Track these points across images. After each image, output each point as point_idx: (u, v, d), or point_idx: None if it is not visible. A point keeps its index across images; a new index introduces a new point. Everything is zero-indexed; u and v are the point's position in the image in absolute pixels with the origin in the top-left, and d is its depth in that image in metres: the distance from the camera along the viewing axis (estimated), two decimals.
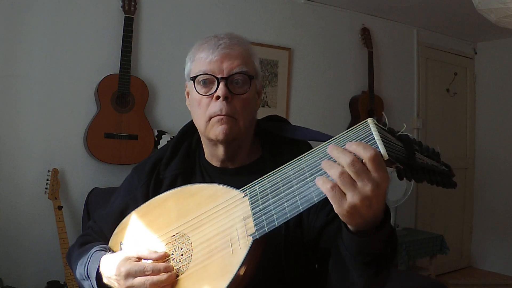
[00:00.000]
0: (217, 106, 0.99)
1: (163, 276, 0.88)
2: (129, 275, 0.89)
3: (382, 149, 0.70)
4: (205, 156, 1.11)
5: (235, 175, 1.08)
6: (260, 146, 1.12)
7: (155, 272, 0.88)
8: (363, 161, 0.69)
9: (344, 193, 0.70)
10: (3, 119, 2.28)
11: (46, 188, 2.25)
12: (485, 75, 4.40)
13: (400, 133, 0.77)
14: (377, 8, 3.52)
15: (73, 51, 2.44)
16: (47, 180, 2.26)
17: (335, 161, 0.72)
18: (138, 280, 0.88)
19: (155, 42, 2.68)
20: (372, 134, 0.72)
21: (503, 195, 4.15)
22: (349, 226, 0.76)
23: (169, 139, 2.55)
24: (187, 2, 2.82)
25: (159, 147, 2.53)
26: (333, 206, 0.71)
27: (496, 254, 4.23)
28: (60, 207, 2.21)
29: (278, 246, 0.99)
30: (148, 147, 2.50)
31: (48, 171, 2.27)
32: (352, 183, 0.69)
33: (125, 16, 2.47)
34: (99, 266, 0.97)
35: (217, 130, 1.00)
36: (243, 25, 2.99)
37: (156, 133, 2.56)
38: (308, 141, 1.12)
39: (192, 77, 1.03)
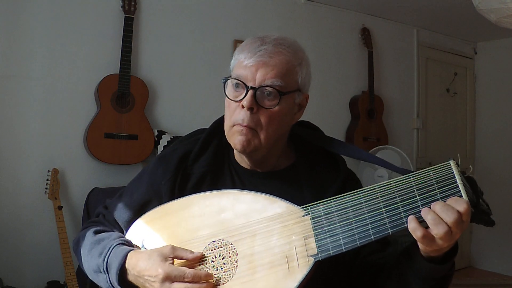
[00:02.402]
0: (241, 115, 0.96)
1: (203, 285, 0.84)
2: (167, 278, 0.84)
3: (464, 195, 0.75)
4: (235, 156, 1.08)
5: (266, 178, 1.04)
6: (293, 152, 1.09)
7: (196, 279, 0.84)
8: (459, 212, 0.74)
9: (436, 239, 0.75)
10: (3, 119, 2.28)
11: (46, 188, 2.25)
12: (485, 75, 4.40)
13: (467, 174, 0.81)
14: (377, 8, 3.52)
15: (73, 51, 2.44)
16: (47, 180, 2.26)
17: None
18: (177, 286, 0.84)
19: (155, 42, 2.68)
20: (455, 177, 0.77)
21: (503, 195, 4.15)
22: (422, 253, 0.81)
23: (169, 139, 2.55)
24: (187, 2, 2.82)
25: (159, 147, 2.53)
26: (421, 245, 0.78)
27: (496, 254, 4.23)
28: (60, 207, 2.21)
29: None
30: (148, 147, 2.50)
31: (48, 171, 2.27)
32: (450, 235, 0.74)
33: (125, 16, 2.47)
34: (124, 261, 0.92)
35: (236, 140, 0.97)
36: (243, 25, 2.99)
37: (156, 133, 2.56)
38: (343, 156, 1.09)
39: (223, 80, 1.00)
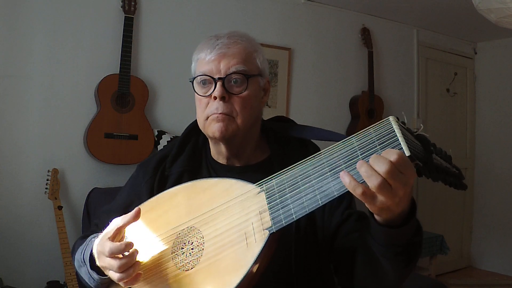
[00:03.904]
0: (214, 105, 1.01)
1: (123, 260, 0.87)
2: (101, 253, 0.90)
3: (404, 146, 0.71)
4: (212, 154, 1.12)
5: (242, 172, 1.08)
6: (268, 145, 1.13)
7: (115, 252, 0.87)
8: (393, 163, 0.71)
9: (376, 195, 0.72)
10: (3, 119, 2.28)
11: (46, 188, 2.25)
12: (485, 75, 4.40)
13: (417, 132, 0.79)
14: (377, 8, 3.52)
15: (73, 51, 2.44)
16: (47, 180, 2.26)
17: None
18: (107, 260, 0.88)
19: (155, 42, 2.68)
20: (394, 131, 0.74)
21: (503, 195, 4.15)
22: (378, 219, 0.79)
23: (169, 139, 2.55)
24: (187, 2, 2.82)
25: (159, 147, 2.53)
26: (366, 205, 0.75)
27: (496, 254, 4.23)
28: (60, 207, 2.21)
29: (287, 245, 0.98)
30: (148, 147, 2.50)
31: (48, 171, 2.27)
32: (388, 188, 0.71)
33: (125, 16, 2.47)
34: (92, 249, 0.97)
35: (214, 128, 1.01)
36: (243, 25, 2.99)
37: (156, 133, 2.56)
38: (314, 141, 1.12)
39: (190, 79, 1.05)
